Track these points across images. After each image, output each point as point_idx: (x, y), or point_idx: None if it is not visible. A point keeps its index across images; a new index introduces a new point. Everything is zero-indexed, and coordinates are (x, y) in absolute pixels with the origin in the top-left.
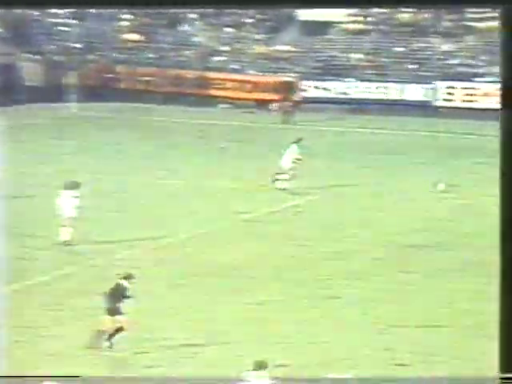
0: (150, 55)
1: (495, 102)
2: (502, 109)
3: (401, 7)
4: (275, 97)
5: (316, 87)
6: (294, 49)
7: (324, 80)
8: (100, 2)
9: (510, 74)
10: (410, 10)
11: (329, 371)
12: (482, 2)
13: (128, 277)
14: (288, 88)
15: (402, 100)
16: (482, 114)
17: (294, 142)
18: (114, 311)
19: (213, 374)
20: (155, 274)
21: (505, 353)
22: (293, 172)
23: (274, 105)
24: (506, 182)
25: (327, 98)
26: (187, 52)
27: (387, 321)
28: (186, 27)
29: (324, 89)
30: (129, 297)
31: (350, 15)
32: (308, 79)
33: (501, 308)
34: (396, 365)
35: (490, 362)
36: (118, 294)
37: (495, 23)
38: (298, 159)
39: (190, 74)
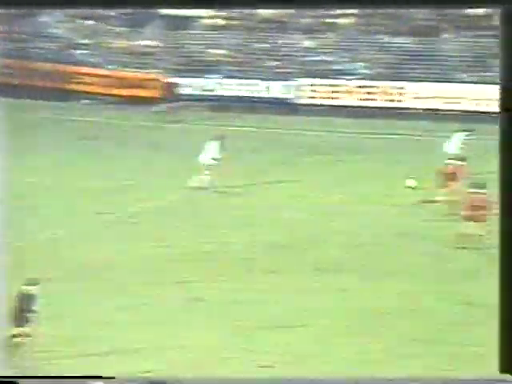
0: (6, 46)
1: (357, 99)
2: (501, 109)
3: (400, 7)
4: (140, 93)
5: (180, 84)
6: (157, 44)
7: (188, 76)
8: (100, 2)
9: (509, 74)
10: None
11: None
12: (482, 2)
13: (32, 282)
14: (154, 84)
15: (265, 97)
16: (345, 111)
17: (214, 139)
18: (19, 321)
19: None
20: (11, 277)
21: (505, 353)
22: (212, 169)
23: (157, 104)
24: (506, 184)
25: (191, 95)
26: (46, 44)
27: (251, 322)
28: (45, 18)
29: (188, 85)
30: (34, 306)
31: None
32: (172, 75)
33: (500, 308)
34: (258, 366)
35: (353, 361)
36: (23, 303)
37: (353, 20)
38: (217, 157)
39: (48, 66)
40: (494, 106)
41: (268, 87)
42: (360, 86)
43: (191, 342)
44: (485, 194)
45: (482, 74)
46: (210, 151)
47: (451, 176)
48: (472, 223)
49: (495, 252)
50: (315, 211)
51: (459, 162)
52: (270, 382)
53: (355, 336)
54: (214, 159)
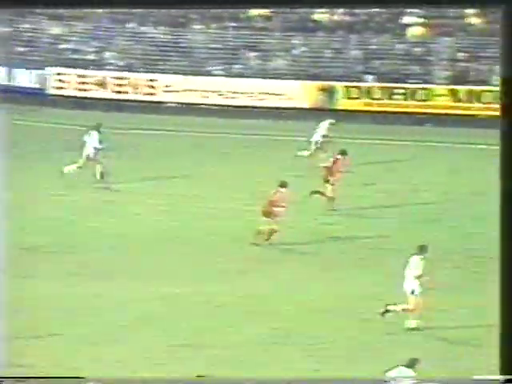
0: None
1: (109, 91)
2: (501, 110)
3: (400, 7)
4: None
5: None
6: None
7: None
8: (101, 1)
9: (509, 74)
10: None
11: None
12: (482, 2)
13: None
14: None
15: (11, 86)
16: (96, 103)
17: (94, 128)
18: None
19: None
20: None
21: (506, 355)
22: (96, 160)
23: None
24: (506, 186)
25: None
26: None
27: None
28: None
29: None
30: None
31: None
32: None
33: (501, 310)
34: None
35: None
36: None
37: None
38: (100, 148)
39: None
40: (242, 100)
41: (13, 75)
42: (111, 78)
43: None
44: (284, 192)
45: (230, 66)
46: (92, 142)
47: (330, 170)
48: (267, 219)
49: (283, 247)
50: (82, 212)
51: (338, 157)
52: (270, 381)
53: (111, 344)
54: (98, 148)
